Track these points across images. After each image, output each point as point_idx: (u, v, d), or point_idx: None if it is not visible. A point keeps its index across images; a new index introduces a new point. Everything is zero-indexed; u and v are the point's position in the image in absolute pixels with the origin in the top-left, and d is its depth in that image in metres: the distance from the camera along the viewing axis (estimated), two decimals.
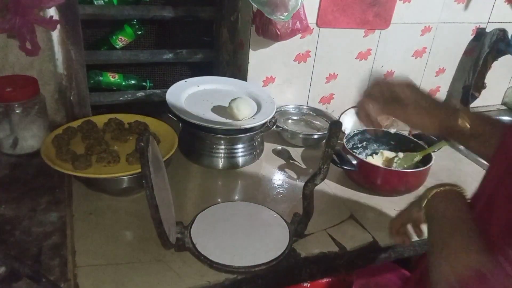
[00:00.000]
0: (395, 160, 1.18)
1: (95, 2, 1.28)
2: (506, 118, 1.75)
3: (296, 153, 1.28)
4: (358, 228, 0.99)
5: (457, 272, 0.54)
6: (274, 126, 1.19)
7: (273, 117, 1.19)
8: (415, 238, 0.85)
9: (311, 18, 1.29)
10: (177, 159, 1.15)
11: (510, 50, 1.54)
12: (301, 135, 1.31)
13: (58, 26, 1.10)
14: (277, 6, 1.08)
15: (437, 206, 0.69)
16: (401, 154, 1.19)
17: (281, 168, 1.21)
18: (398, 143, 1.25)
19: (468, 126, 0.71)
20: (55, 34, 1.14)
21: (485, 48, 1.53)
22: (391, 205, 1.08)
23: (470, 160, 1.37)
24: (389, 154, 1.22)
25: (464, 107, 0.82)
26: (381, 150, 1.25)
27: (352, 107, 1.48)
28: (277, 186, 1.12)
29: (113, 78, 1.43)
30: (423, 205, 0.72)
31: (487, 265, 0.52)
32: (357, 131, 1.25)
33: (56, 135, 1.01)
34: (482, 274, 0.52)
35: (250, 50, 1.32)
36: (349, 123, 1.45)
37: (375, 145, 1.28)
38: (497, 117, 1.21)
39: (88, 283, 0.76)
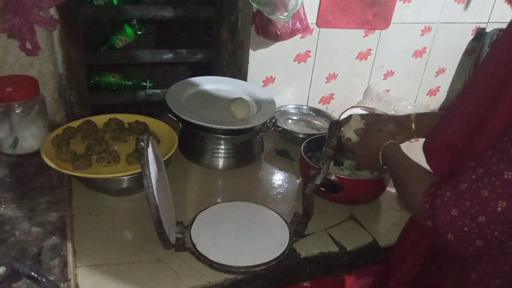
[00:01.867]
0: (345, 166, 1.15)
1: (95, 2, 1.28)
2: None
3: (296, 153, 1.28)
4: (358, 228, 0.99)
5: (418, 199, 0.62)
6: (274, 126, 1.19)
7: (273, 117, 1.19)
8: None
9: (311, 18, 1.29)
10: (177, 159, 1.15)
11: None
12: (301, 135, 1.31)
13: (58, 26, 1.10)
14: (277, 6, 1.08)
15: (392, 154, 0.84)
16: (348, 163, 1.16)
17: (281, 168, 1.21)
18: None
19: (414, 127, 0.93)
20: (55, 34, 1.14)
21: (485, 48, 1.53)
22: (391, 205, 1.08)
23: None
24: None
25: (414, 114, 0.98)
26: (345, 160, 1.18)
27: (352, 107, 1.48)
28: (277, 186, 1.12)
29: (113, 78, 1.43)
30: (381, 150, 0.87)
31: (444, 186, 0.59)
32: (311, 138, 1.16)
33: (56, 135, 1.01)
34: (441, 194, 0.59)
35: (250, 50, 1.32)
36: None
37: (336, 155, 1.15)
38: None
39: (88, 283, 0.76)
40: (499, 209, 0.52)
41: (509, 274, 0.58)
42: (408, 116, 0.95)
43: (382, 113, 1.17)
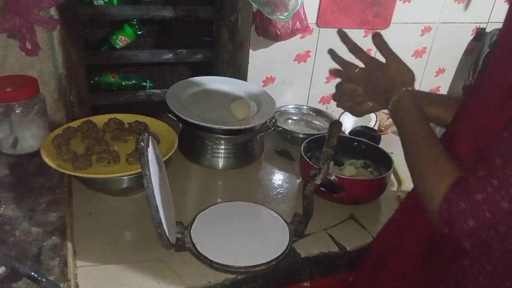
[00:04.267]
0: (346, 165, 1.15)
1: (95, 2, 1.28)
2: None
3: (296, 153, 1.28)
4: (358, 228, 0.99)
5: (437, 202, 0.59)
6: (274, 126, 1.19)
7: (273, 117, 1.19)
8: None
9: (311, 18, 1.29)
10: (177, 159, 1.15)
11: None
12: (301, 135, 1.31)
13: (58, 26, 1.10)
14: (277, 6, 1.08)
15: (402, 113, 0.74)
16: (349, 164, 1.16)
17: (281, 168, 1.21)
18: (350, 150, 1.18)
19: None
20: (55, 34, 1.14)
21: (485, 48, 1.53)
22: (391, 205, 1.08)
23: None
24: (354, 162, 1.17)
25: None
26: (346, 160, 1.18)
27: None
28: (277, 186, 1.12)
29: (113, 78, 1.43)
30: (390, 107, 0.77)
31: (458, 194, 0.57)
32: (312, 138, 1.15)
33: (56, 135, 1.01)
34: (463, 188, 0.57)
35: (250, 50, 1.32)
36: (349, 123, 1.45)
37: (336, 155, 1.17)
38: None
39: (88, 283, 0.76)
40: None
41: (500, 259, 0.59)
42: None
43: None
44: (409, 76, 0.77)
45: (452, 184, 0.59)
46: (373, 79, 0.82)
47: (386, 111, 0.88)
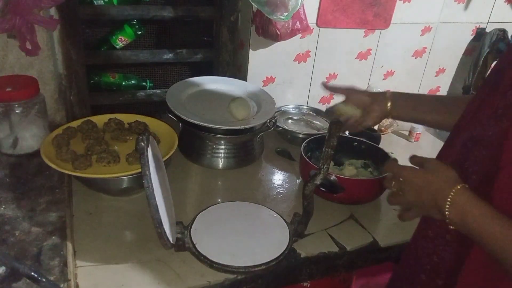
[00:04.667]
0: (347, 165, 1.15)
1: (95, 2, 1.28)
2: None
3: (296, 153, 1.28)
4: (358, 228, 0.99)
5: None
6: (274, 126, 1.19)
7: (273, 117, 1.19)
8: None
9: (311, 18, 1.29)
10: (177, 159, 1.15)
11: None
12: (301, 135, 1.31)
13: (58, 26, 1.10)
14: (277, 6, 1.08)
15: (467, 211, 0.59)
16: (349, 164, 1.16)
17: (281, 168, 1.21)
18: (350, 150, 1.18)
19: (389, 105, 0.89)
20: (55, 34, 1.14)
21: (485, 48, 1.53)
22: (391, 205, 1.07)
23: None
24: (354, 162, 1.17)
25: (390, 91, 0.93)
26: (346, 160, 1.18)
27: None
28: (277, 186, 1.12)
29: (113, 78, 1.43)
30: (446, 212, 0.60)
31: None
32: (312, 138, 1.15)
33: (56, 135, 1.01)
34: None
35: (250, 50, 1.32)
36: None
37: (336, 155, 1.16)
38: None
39: (88, 283, 0.76)
40: None
41: None
42: (383, 93, 0.92)
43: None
44: (450, 172, 0.63)
45: None
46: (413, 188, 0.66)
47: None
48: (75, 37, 1.18)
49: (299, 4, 1.12)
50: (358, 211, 1.04)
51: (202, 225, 0.90)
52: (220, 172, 1.16)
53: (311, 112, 1.47)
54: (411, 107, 0.90)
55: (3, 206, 0.90)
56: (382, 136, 1.38)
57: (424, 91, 1.65)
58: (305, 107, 1.48)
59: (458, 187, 0.60)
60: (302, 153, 1.06)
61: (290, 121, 1.41)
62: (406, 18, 1.44)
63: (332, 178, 0.98)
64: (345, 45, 1.42)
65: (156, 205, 0.70)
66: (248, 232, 0.90)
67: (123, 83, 1.44)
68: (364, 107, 0.93)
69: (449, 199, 0.60)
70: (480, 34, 1.57)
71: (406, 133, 1.51)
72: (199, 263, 0.82)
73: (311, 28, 1.33)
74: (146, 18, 1.32)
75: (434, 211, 0.63)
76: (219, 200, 1.03)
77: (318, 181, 0.83)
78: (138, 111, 1.16)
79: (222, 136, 1.11)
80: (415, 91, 1.64)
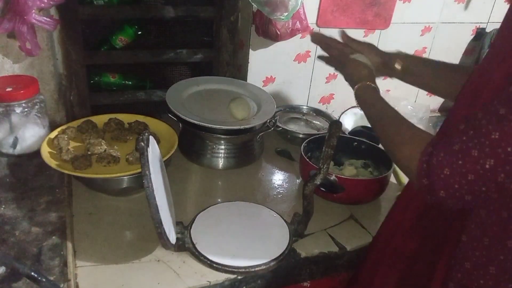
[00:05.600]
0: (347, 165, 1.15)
1: (95, 2, 1.28)
2: None
3: (296, 153, 1.28)
4: (358, 228, 0.99)
5: (416, 160, 0.62)
6: (274, 126, 1.19)
7: (273, 117, 1.19)
8: None
9: (311, 18, 1.29)
10: (177, 159, 1.15)
11: None
12: (301, 135, 1.31)
13: (58, 26, 1.10)
14: (277, 6, 1.08)
15: (368, 99, 0.84)
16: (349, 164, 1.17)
17: (281, 168, 1.21)
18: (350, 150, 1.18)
19: (400, 67, 0.97)
20: (55, 34, 1.14)
21: (485, 48, 1.53)
22: (391, 205, 1.07)
23: None
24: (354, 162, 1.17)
25: (400, 52, 1.01)
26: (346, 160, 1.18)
27: (353, 107, 1.48)
28: (277, 186, 1.12)
29: (113, 78, 1.43)
30: (355, 90, 0.88)
31: (439, 146, 0.60)
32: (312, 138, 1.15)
33: (56, 135, 1.01)
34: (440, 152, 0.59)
35: (250, 50, 1.32)
36: (349, 123, 1.45)
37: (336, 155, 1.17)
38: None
39: (88, 283, 0.76)
40: (487, 166, 0.55)
41: (497, 233, 0.61)
42: (395, 56, 0.98)
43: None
44: (366, 72, 0.90)
45: (432, 139, 0.63)
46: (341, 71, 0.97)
47: None
48: (75, 37, 1.17)
49: (299, 4, 1.11)
50: (358, 211, 1.04)
51: (202, 225, 0.90)
52: (220, 172, 1.16)
53: (311, 112, 1.47)
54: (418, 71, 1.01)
55: (3, 206, 0.90)
56: None
57: (424, 91, 1.65)
58: (305, 107, 1.48)
59: (360, 84, 0.86)
60: (302, 153, 1.06)
61: (290, 121, 1.41)
62: (406, 18, 1.44)
63: (332, 178, 0.98)
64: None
65: (156, 205, 0.70)
66: (248, 232, 0.90)
67: (123, 83, 1.44)
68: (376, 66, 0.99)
69: (356, 87, 0.87)
70: (480, 34, 1.57)
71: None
72: (199, 263, 0.82)
73: (311, 28, 1.33)
74: (146, 18, 1.32)
75: (348, 82, 0.93)
76: (219, 200, 1.03)
77: (318, 181, 0.83)
78: (138, 111, 1.16)
79: (222, 136, 1.11)
80: (415, 91, 1.64)
